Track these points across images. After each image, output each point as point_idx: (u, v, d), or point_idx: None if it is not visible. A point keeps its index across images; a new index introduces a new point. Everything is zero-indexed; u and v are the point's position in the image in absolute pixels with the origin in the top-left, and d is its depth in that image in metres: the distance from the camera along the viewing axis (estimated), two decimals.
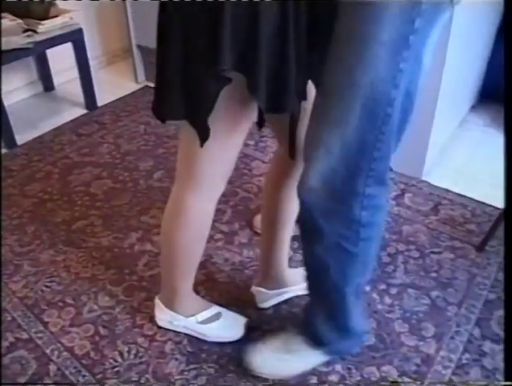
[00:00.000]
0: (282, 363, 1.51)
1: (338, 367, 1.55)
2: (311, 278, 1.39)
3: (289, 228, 1.61)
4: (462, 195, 2.23)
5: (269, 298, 1.72)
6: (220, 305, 1.69)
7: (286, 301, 1.76)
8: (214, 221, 2.08)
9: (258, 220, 2.04)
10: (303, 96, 1.21)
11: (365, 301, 1.75)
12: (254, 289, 1.71)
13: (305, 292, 1.73)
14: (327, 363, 1.55)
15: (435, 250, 1.97)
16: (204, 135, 1.17)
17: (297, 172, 1.33)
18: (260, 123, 1.39)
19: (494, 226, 1.91)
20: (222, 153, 1.29)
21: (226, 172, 1.37)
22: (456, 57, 2.08)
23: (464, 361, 1.56)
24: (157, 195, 2.28)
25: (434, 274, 1.86)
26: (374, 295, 1.78)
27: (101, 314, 1.74)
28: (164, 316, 1.64)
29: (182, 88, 1.13)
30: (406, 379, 1.51)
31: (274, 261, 1.66)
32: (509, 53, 1.30)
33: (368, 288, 1.80)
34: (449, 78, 2.09)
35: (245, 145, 2.65)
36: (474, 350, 1.60)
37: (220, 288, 1.82)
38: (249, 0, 0.99)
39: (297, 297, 1.76)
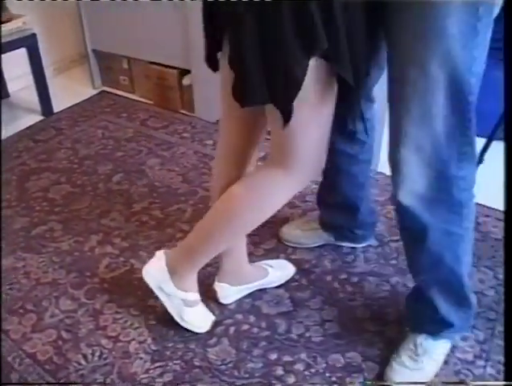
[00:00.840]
0: (418, 371, 1.46)
1: (303, 355, 1.54)
2: (427, 273, 1.40)
3: None
4: None
5: (231, 294, 1.70)
6: None
7: (249, 295, 1.74)
8: (175, 220, 2.09)
9: (284, 232, 2.02)
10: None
11: (327, 291, 1.75)
12: (217, 284, 1.69)
13: (268, 285, 1.74)
14: (292, 353, 1.54)
15: (394, 238, 1.97)
16: (287, 117, 1.16)
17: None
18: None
19: None
20: (315, 131, 1.26)
21: (319, 156, 1.33)
22: None
23: None
24: (116, 198, 2.24)
25: (393, 261, 1.87)
26: (336, 284, 1.78)
27: (64, 318, 1.69)
28: (159, 273, 1.56)
29: (264, 75, 1.13)
30: (370, 364, 1.51)
31: (232, 257, 1.65)
32: (509, 56, 1.27)
33: (329, 278, 1.80)
34: None
35: (203, 145, 2.64)
36: None
37: None
38: None
39: (259, 290, 1.75)
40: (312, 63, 1.09)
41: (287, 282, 1.79)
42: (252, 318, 1.67)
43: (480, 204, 1.98)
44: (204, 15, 1.25)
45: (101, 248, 1.96)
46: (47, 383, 1.51)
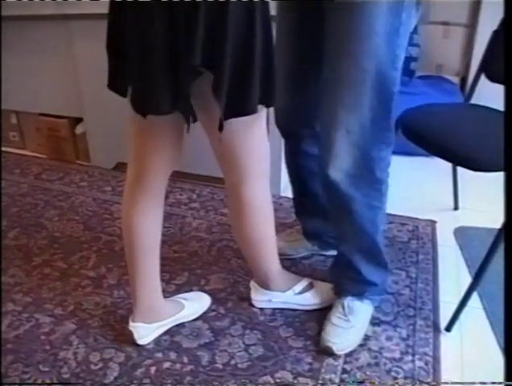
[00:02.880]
0: (350, 329, 1.53)
1: (232, 384, 1.42)
2: (351, 241, 1.51)
3: (155, 256, 1.50)
4: None
5: (148, 333, 1.55)
6: (96, 349, 1.52)
7: (166, 331, 1.60)
8: (79, 269, 1.92)
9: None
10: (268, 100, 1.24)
11: (247, 316, 1.65)
12: (132, 325, 1.54)
13: (185, 319, 1.62)
14: (219, 383, 1.41)
15: (305, 255, 1.94)
16: (192, 119, 1.23)
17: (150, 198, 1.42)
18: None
19: None
20: (254, 142, 1.33)
21: (264, 155, 1.38)
22: None
23: (352, 348, 1.51)
24: (15, 254, 2.02)
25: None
26: (254, 309, 1.69)
27: None
28: (262, 297, 1.67)
29: (167, 82, 1.13)
30: (301, 379, 1.41)
31: (146, 293, 1.52)
32: (509, 55, 1.36)
33: (246, 304, 1.71)
34: None
35: (102, 191, 2.51)
36: None
37: (94, 332, 1.62)
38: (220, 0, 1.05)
39: (177, 325, 1.62)
40: None
41: (205, 313, 1.67)
42: (173, 355, 1.52)
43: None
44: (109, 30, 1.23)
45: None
46: (47, 383, 1.42)
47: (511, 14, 1.31)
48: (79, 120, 2.72)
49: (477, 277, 1.54)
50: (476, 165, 1.50)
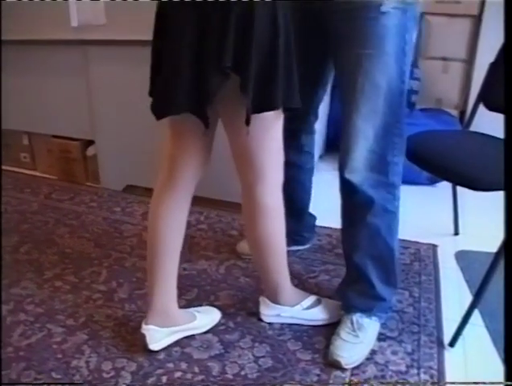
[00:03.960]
0: (359, 344, 1.57)
1: None
2: (365, 247, 1.57)
3: (175, 259, 1.55)
4: (325, 227, 2.28)
5: (160, 337, 1.58)
6: (108, 359, 1.54)
7: (177, 343, 1.63)
8: (90, 283, 1.96)
9: (241, 246, 2.10)
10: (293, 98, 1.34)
11: (256, 330, 1.68)
12: (144, 328, 1.57)
13: (195, 331, 1.65)
14: None
15: (312, 275, 1.98)
16: (205, 123, 1.30)
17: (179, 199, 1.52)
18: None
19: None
20: (272, 142, 1.42)
21: (278, 159, 1.46)
22: None
23: (358, 363, 1.54)
24: (26, 267, 2.06)
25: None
26: (263, 323, 1.72)
27: None
28: (271, 311, 1.70)
29: (191, 83, 1.24)
30: None
31: (163, 296, 1.57)
32: (509, 58, 1.47)
33: (255, 319, 1.74)
34: None
35: (112, 212, 2.55)
36: None
37: (105, 343, 1.64)
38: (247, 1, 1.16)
39: (187, 337, 1.65)
40: None
41: (215, 327, 1.70)
42: (184, 365, 1.55)
43: None
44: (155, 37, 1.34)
45: (13, 317, 1.77)
46: (47, 383, 1.44)
47: (511, 40, 1.39)
48: (90, 142, 2.78)
49: (478, 295, 1.59)
50: (477, 184, 1.58)
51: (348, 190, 1.52)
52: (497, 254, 1.55)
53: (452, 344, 1.61)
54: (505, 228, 1.24)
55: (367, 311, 1.62)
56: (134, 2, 2.23)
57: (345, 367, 1.51)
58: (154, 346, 1.57)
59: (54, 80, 2.69)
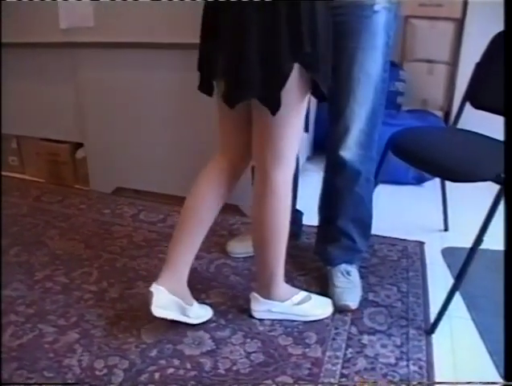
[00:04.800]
0: (355, 283, 1.84)
1: None
2: (351, 213, 1.81)
3: (203, 233, 1.69)
4: (313, 226, 2.29)
5: (164, 303, 1.61)
6: (100, 357, 1.55)
7: (169, 341, 1.64)
8: (81, 283, 1.96)
9: (230, 246, 2.16)
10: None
11: (247, 326, 1.70)
12: (154, 286, 1.59)
13: (188, 319, 1.67)
14: (223, 384, 1.45)
15: (301, 272, 2.01)
16: (276, 106, 1.38)
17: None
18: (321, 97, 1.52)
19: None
20: (295, 127, 1.51)
21: (297, 145, 1.56)
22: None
23: (349, 355, 1.57)
24: (16, 269, 2.06)
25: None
26: (254, 320, 1.73)
27: None
28: (262, 307, 1.72)
29: (261, 70, 1.34)
30: (302, 383, 1.46)
31: (180, 262, 1.66)
32: (509, 59, 1.55)
33: (245, 315, 1.76)
34: None
35: (102, 214, 2.56)
36: (355, 344, 1.61)
37: (97, 341, 1.65)
38: None
39: (178, 334, 1.66)
40: (295, 69, 1.36)
41: (206, 324, 1.71)
42: (176, 362, 1.56)
43: (376, 235, 2.13)
44: (203, 36, 1.49)
45: (4, 318, 1.77)
46: (47, 383, 1.44)
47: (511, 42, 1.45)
48: (79, 145, 2.78)
49: (458, 278, 1.66)
50: (457, 176, 1.66)
51: (339, 165, 1.73)
52: (476, 241, 1.61)
53: (432, 331, 1.65)
54: (505, 228, 1.27)
55: (349, 261, 1.88)
56: (123, 4, 2.25)
57: (353, 307, 1.75)
58: (157, 311, 1.56)
59: (42, 83, 2.69)
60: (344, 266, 1.86)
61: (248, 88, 1.38)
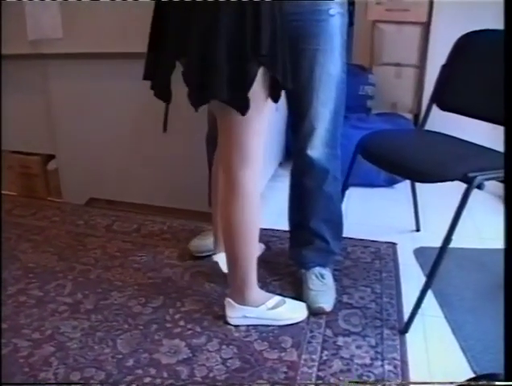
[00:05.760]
0: (329, 285, 1.87)
1: None
2: (321, 213, 1.84)
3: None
4: (286, 231, 2.30)
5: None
6: (76, 369, 1.54)
7: (144, 350, 1.63)
8: (55, 296, 1.94)
9: (193, 244, 2.18)
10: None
11: (222, 333, 1.70)
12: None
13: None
14: None
15: (275, 277, 2.02)
16: (245, 107, 1.40)
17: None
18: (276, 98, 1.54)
19: None
20: (260, 126, 1.53)
21: (262, 143, 1.57)
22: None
23: (325, 357, 1.58)
24: None
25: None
26: (229, 327, 1.74)
27: None
28: (237, 313, 1.72)
29: (227, 72, 1.34)
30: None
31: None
32: (509, 61, 1.46)
33: (221, 322, 1.76)
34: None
35: (75, 225, 2.53)
36: (330, 346, 1.63)
37: (73, 354, 1.63)
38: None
39: (155, 343, 1.65)
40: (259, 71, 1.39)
41: (181, 332, 1.71)
42: (153, 371, 1.55)
43: (348, 237, 2.19)
44: (155, 40, 1.49)
45: None
46: (47, 383, 1.44)
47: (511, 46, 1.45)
48: (51, 157, 2.76)
49: (430, 277, 1.69)
50: (424, 177, 1.72)
51: (307, 165, 1.76)
52: (446, 239, 1.65)
53: (405, 331, 1.68)
54: (505, 228, 1.30)
55: (323, 264, 1.91)
56: (92, 15, 2.24)
57: (328, 310, 1.78)
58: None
59: (12, 95, 2.66)
60: (318, 269, 1.89)
61: (212, 91, 1.38)
